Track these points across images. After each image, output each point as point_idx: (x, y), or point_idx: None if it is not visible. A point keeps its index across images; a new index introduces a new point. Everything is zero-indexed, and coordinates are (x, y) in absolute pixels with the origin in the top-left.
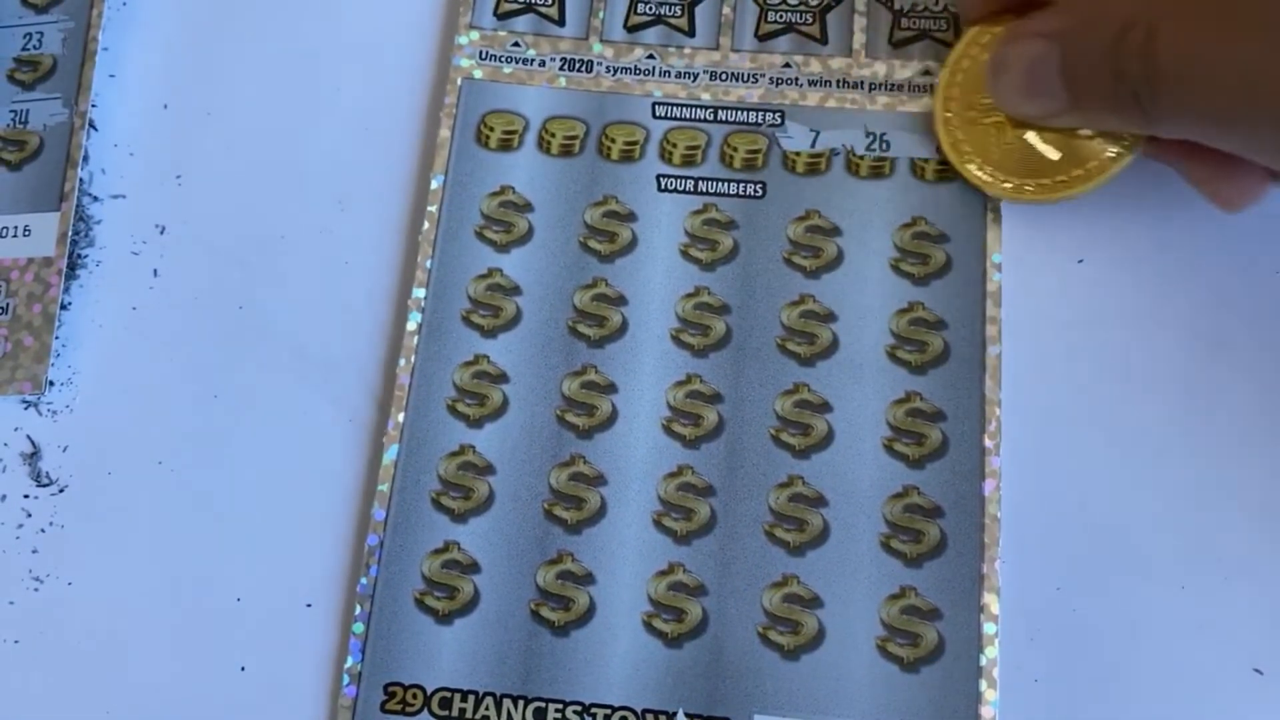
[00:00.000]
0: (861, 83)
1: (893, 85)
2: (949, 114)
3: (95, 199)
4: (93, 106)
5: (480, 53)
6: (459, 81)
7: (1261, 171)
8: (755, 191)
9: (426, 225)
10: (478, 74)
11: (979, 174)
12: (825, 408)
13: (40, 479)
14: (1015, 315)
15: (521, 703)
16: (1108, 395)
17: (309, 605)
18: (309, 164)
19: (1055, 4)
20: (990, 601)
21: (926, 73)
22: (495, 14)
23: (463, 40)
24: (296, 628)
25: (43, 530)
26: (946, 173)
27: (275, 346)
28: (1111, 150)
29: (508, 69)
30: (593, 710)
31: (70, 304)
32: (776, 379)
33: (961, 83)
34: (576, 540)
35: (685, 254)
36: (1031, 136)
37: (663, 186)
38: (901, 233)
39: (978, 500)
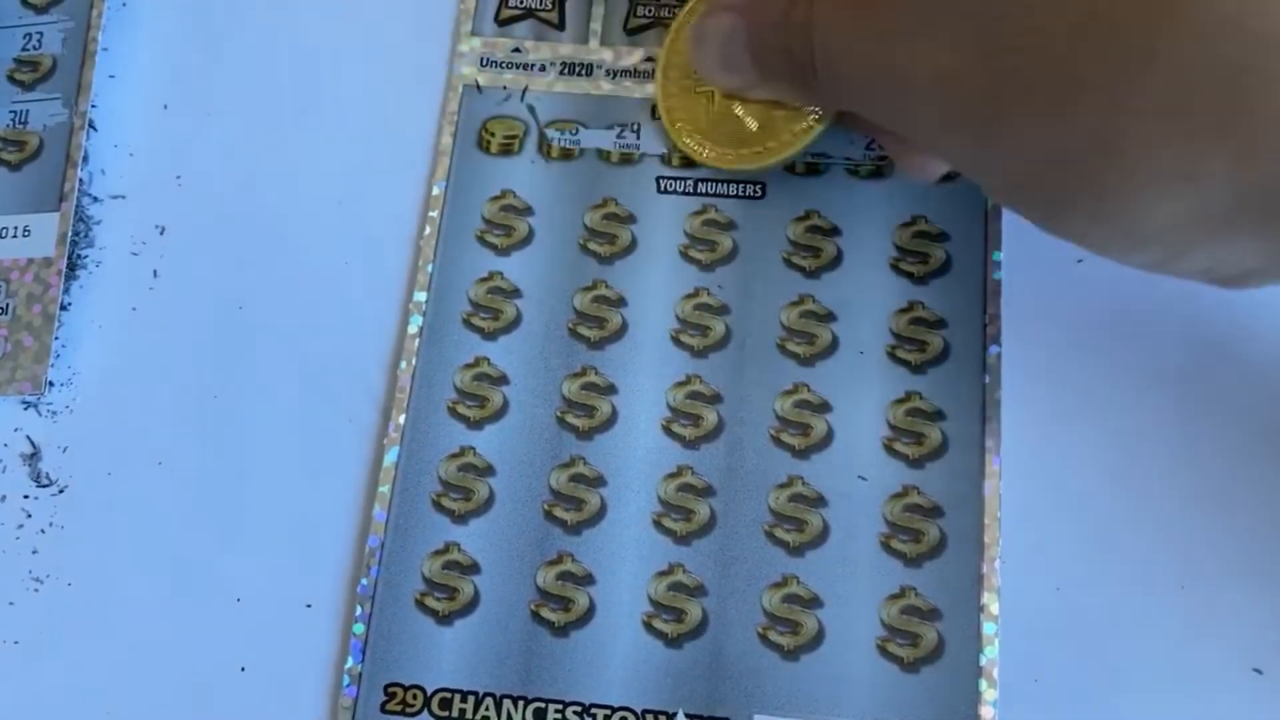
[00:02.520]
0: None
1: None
2: (667, 81)
3: (95, 199)
4: (93, 107)
5: (481, 59)
6: (460, 88)
7: None
8: (754, 192)
9: (428, 230)
10: (480, 80)
11: (688, 141)
12: (825, 408)
13: (40, 480)
14: (1015, 314)
15: (521, 703)
16: (1107, 395)
17: (309, 606)
18: (309, 165)
19: None
20: (990, 601)
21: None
22: (496, 20)
23: (464, 48)
24: (297, 628)
25: (43, 531)
26: (946, 172)
27: (275, 348)
28: (804, 122)
29: (508, 74)
30: (593, 711)
31: (70, 304)
32: (776, 379)
33: (681, 49)
34: (576, 541)
35: (685, 255)
36: (736, 107)
37: (662, 188)
38: (901, 232)
39: (978, 500)
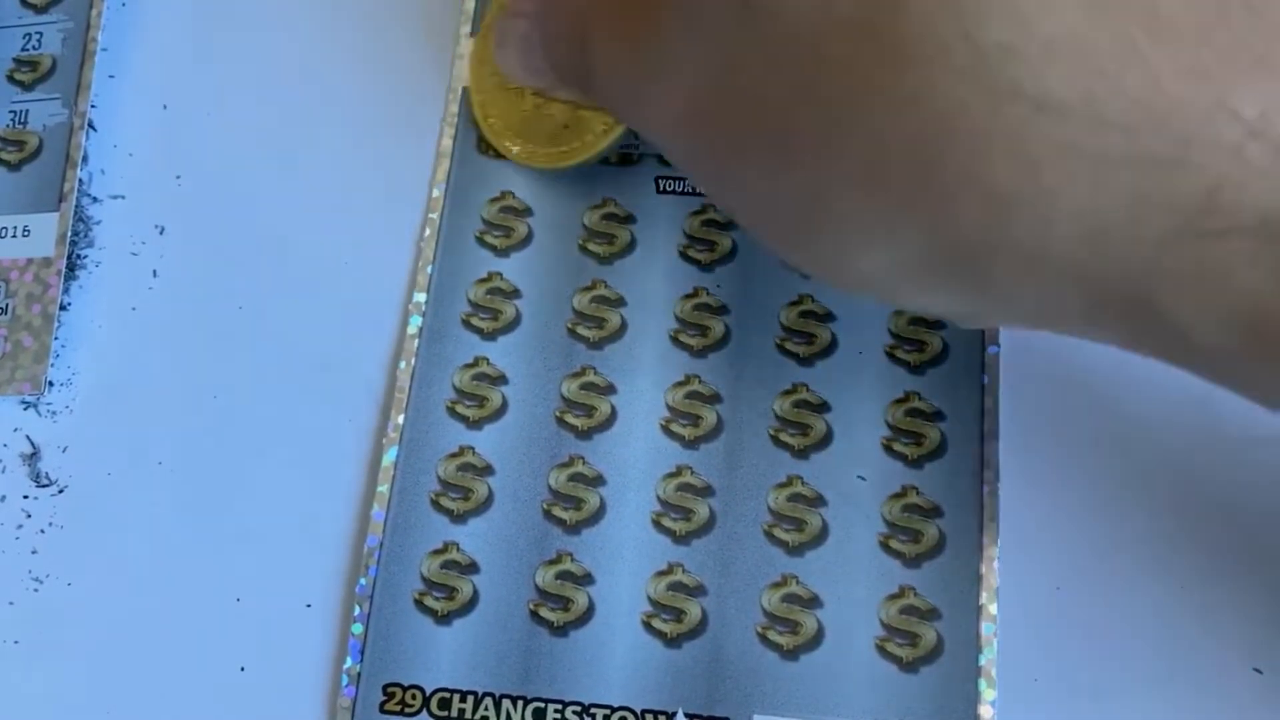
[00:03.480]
0: None
1: None
2: (480, 76)
3: (95, 199)
4: (92, 107)
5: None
6: (460, 90)
7: None
8: None
9: (428, 231)
10: None
11: (499, 140)
12: (824, 408)
13: (40, 479)
14: None
15: (521, 703)
16: (1107, 393)
17: (308, 606)
18: (309, 166)
19: None
20: (989, 601)
21: None
22: None
23: (463, 50)
24: (296, 628)
25: (42, 531)
26: None
27: (275, 348)
28: (604, 123)
29: None
30: (592, 710)
31: (70, 304)
32: (775, 379)
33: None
34: (576, 540)
35: (684, 255)
36: (545, 105)
37: (661, 188)
38: None
39: (976, 500)
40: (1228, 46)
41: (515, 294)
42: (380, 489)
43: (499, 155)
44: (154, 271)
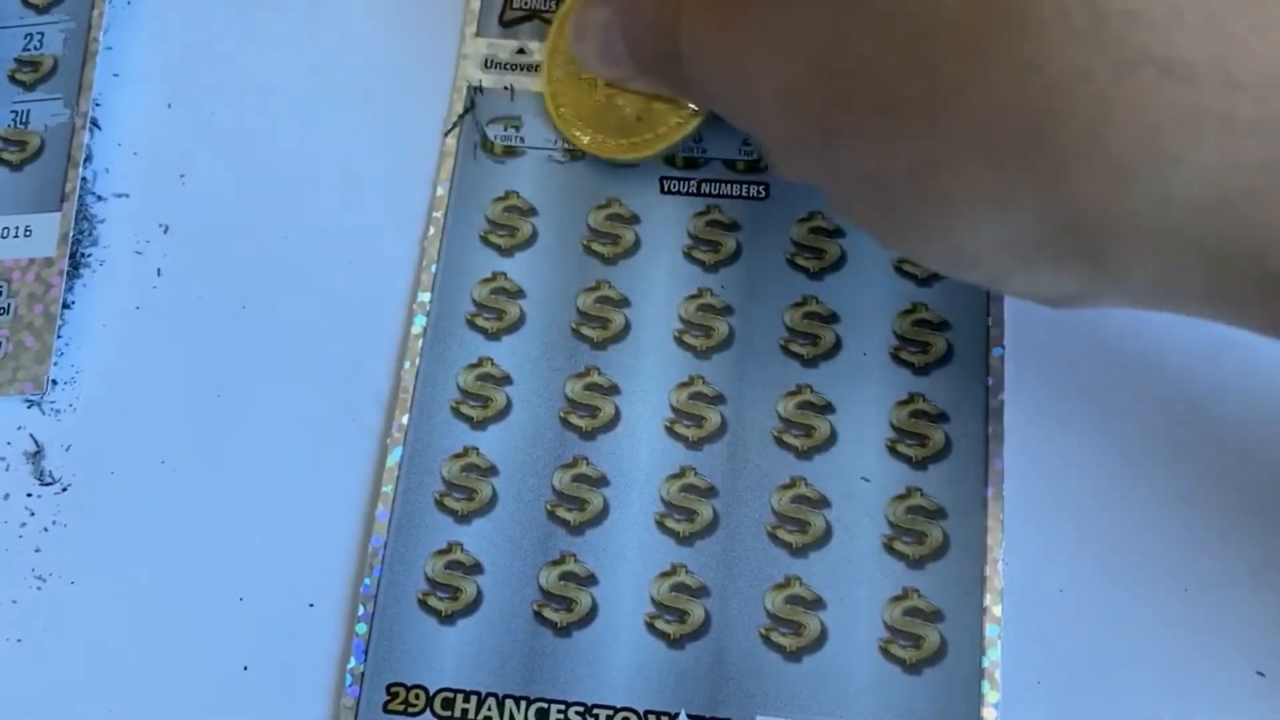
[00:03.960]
0: None
1: None
2: (554, 65)
3: (99, 198)
4: (96, 106)
5: (486, 60)
6: (465, 89)
7: None
8: (758, 193)
9: (432, 231)
10: (484, 82)
11: (570, 129)
12: (828, 409)
13: (43, 478)
14: (1018, 316)
15: (524, 703)
16: (1111, 397)
17: (312, 605)
18: (313, 165)
19: None
20: (992, 603)
21: None
22: (500, 22)
23: (468, 49)
24: (299, 628)
25: (46, 529)
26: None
27: (279, 347)
28: (678, 116)
29: (512, 76)
30: (595, 711)
31: (74, 303)
32: (779, 380)
33: (566, 37)
34: (579, 541)
35: (688, 255)
36: (617, 96)
37: (665, 189)
38: None
39: (980, 502)
40: None
41: (520, 294)
42: (384, 489)
43: (502, 155)
44: (158, 270)
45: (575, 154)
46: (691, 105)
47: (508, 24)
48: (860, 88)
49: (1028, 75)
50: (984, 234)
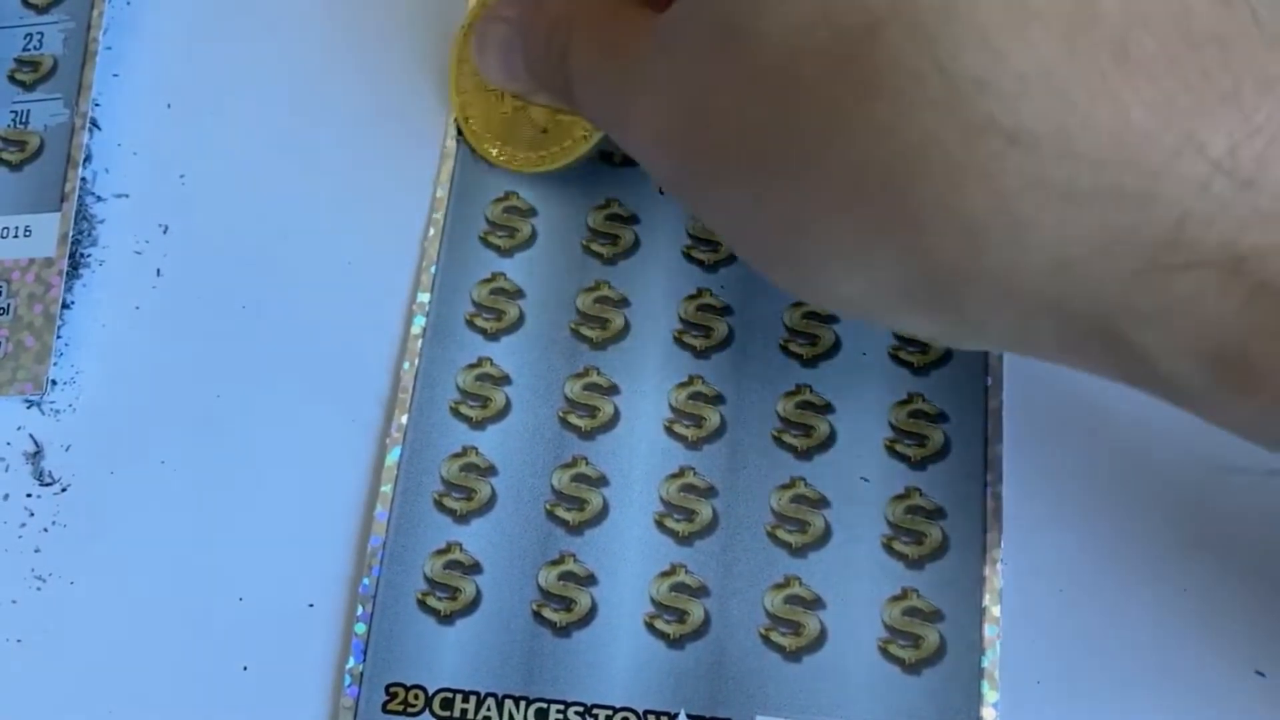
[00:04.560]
0: None
1: None
2: (461, 76)
3: (99, 198)
4: (96, 106)
5: None
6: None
7: None
8: None
9: (431, 231)
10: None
11: (479, 142)
12: (827, 409)
13: (43, 478)
14: None
15: (523, 703)
16: (1111, 396)
17: (311, 605)
18: (313, 165)
19: None
20: (992, 603)
21: None
22: None
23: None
24: (298, 628)
25: (45, 530)
26: None
27: (279, 347)
28: (583, 129)
29: None
30: (594, 711)
31: (73, 303)
32: (778, 380)
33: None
34: (578, 541)
35: (687, 255)
36: (524, 108)
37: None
38: None
39: (980, 502)
40: (1197, 81)
41: (519, 294)
42: (384, 489)
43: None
44: (158, 270)
45: None
46: None
47: None
48: (729, 139)
49: (883, 137)
50: (851, 281)
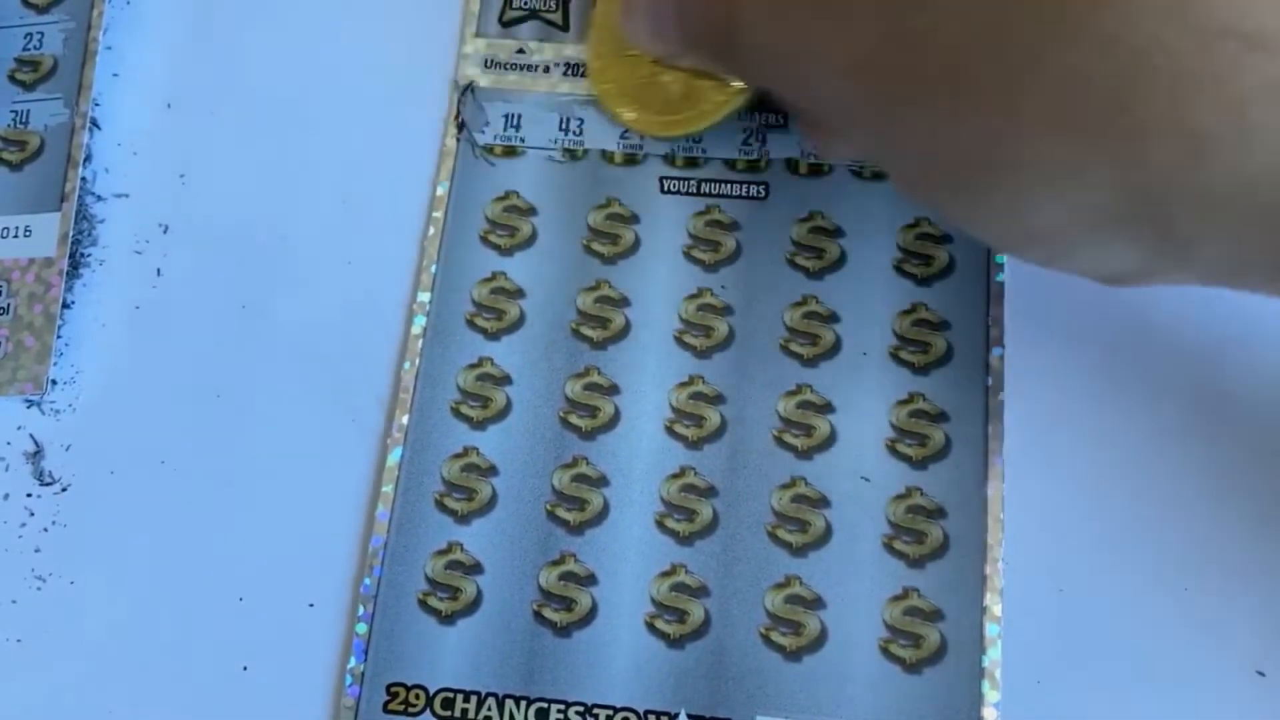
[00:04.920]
0: None
1: None
2: (599, 41)
3: (99, 198)
4: (96, 105)
5: (485, 60)
6: (463, 87)
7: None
8: (758, 193)
9: (431, 230)
10: (483, 82)
11: (614, 105)
12: (828, 409)
13: (43, 478)
14: (1018, 316)
15: (524, 703)
16: (1110, 397)
17: (312, 605)
18: (313, 164)
19: None
20: (993, 603)
21: None
22: (500, 21)
23: (468, 49)
24: (299, 628)
25: (45, 529)
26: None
27: (279, 347)
28: (723, 94)
29: (512, 76)
30: (595, 711)
31: (74, 303)
32: (779, 380)
33: (613, 11)
34: (579, 541)
35: (688, 255)
36: (663, 73)
37: (665, 188)
38: (904, 233)
39: (980, 501)
40: None
41: (519, 294)
42: (385, 489)
43: (500, 156)
44: (158, 270)
45: (575, 154)
46: (736, 83)
47: (507, 24)
48: (933, 59)
49: (1108, 46)
50: (1053, 206)
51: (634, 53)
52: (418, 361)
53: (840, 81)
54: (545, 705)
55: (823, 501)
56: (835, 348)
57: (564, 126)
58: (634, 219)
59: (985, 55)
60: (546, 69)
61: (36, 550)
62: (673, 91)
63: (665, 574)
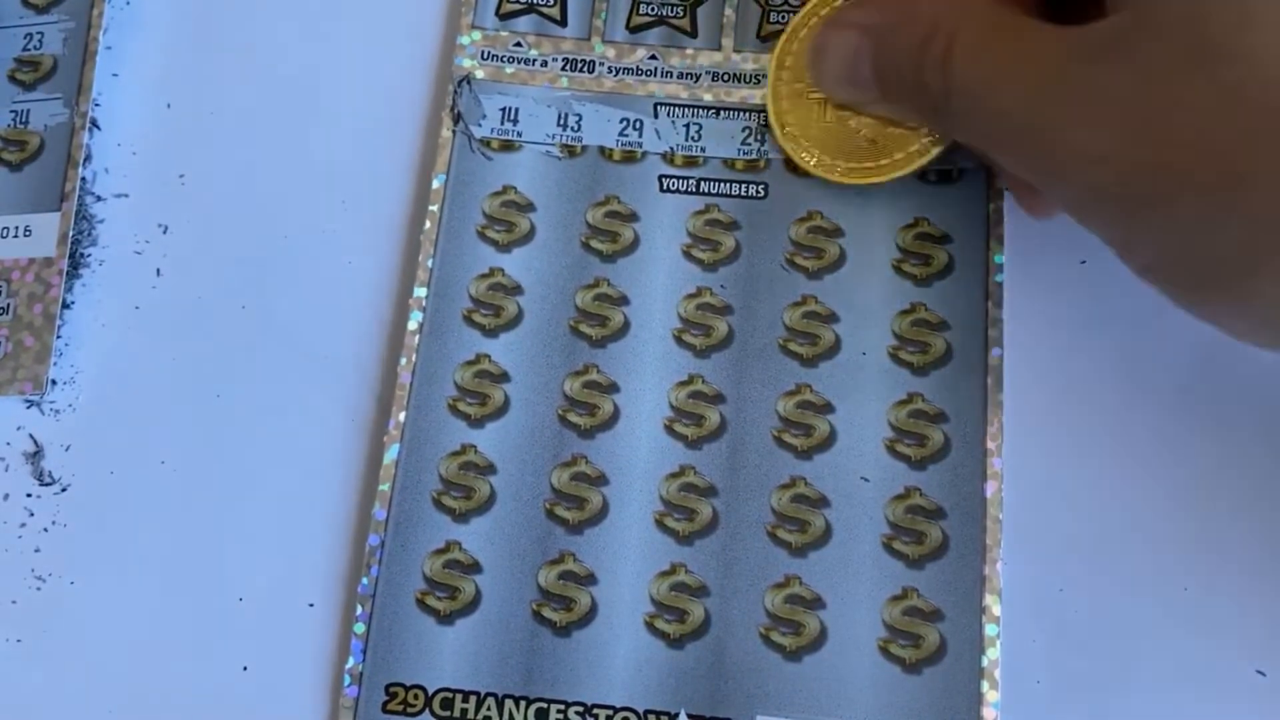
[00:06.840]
0: None
1: None
2: (780, 82)
3: (98, 198)
4: (95, 106)
5: (482, 53)
6: (460, 81)
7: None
8: (757, 192)
9: (428, 225)
10: (480, 74)
11: (796, 150)
12: (827, 409)
13: (43, 478)
14: (1017, 316)
15: (523, 703)
16: (1110, 396)
17: (310, 605)
18: (312, 163)
19: None
20: (992, 603)
21: None
22: (497, 14)
23: (464, 40)
24: (298, 628)
25: (45, 529)
26: (949, 174)
27: (277, 346)
28: (920, 143)
29: (509, 69)
30: (595, 711)
31: (73, 303)
32: (778, 380)
33: (796, 51)
34: (578, 540)
35: (687, 254)
36: (850, 119)
37: (664, 187)
38: (904, 233)
39: (979, 501)
40: None
41: (517, 290)
42: (382, 487)
43: (497, 150)
44: (157, 270)
45: (573, 150)
46: (931, 135)
47: (504, 17)
48: (1193, 159)
49: None
50: None
51: (815, 95)
52: (414, 358)
53: (1077, 169)
54: (545, 705)
55: (822, 501)
56: (835, 348)
57: (562, 122)
58: (633, 217)
59: (1254, 159)
60: (545, 63)
61: (36, 550)
62: (860, 138)
63: (665, 573)
